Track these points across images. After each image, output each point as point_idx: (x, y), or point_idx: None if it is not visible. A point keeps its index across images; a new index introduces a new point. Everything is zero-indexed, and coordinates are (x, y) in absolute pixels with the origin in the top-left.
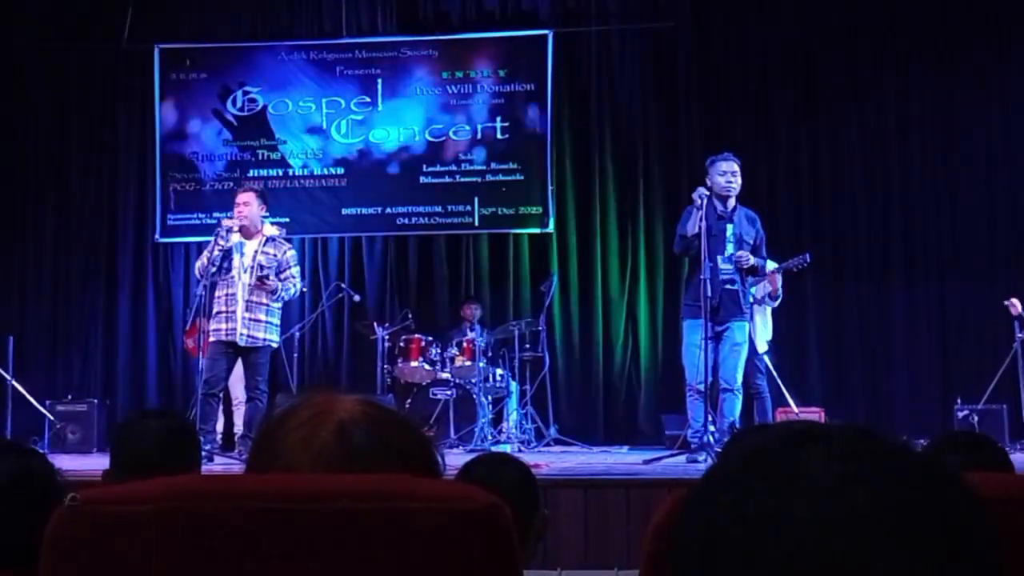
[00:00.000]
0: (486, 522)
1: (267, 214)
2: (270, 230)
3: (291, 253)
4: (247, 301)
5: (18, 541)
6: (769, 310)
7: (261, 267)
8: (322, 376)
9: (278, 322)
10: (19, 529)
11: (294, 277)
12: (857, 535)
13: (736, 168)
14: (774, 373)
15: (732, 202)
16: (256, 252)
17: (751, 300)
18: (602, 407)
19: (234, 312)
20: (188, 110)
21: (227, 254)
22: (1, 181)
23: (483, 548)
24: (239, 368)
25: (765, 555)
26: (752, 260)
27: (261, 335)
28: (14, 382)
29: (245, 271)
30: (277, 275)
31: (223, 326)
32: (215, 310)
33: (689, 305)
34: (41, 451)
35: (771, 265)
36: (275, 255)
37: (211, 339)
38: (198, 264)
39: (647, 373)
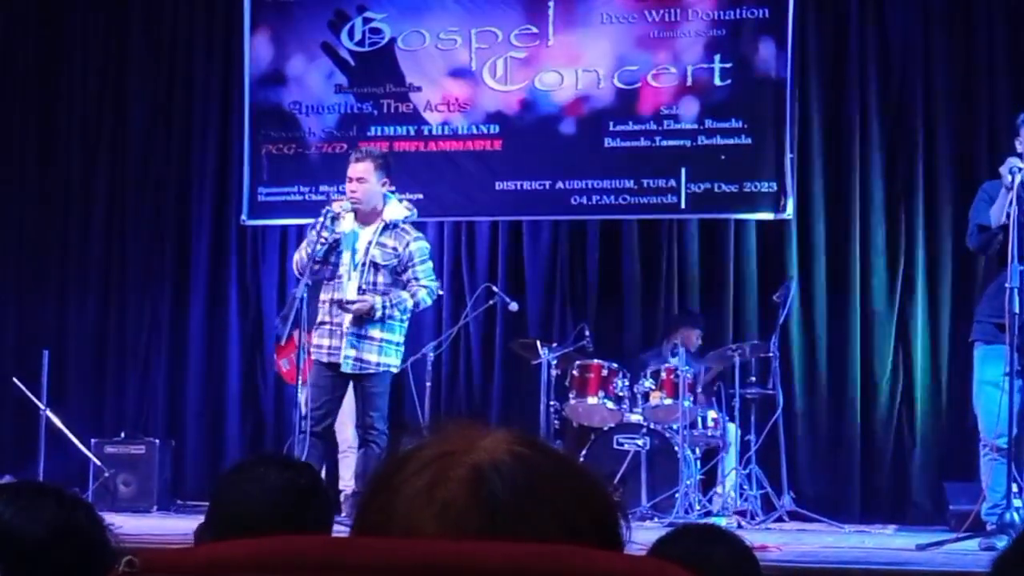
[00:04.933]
0: None
1: (392, 189)
2: (395, 212)
3: (418, 246)
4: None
5: None
6: None
7: (374, 265)
8: (465, 413)
9: (400, 339)
10: None
11: (418, 280)
12: None
13: None
14: None
15: None
16: (370, 244)
17: None
18: (859, 469)
19: (341, 325)
20: (288, 44)
21: (334, 246)
22: (37, 140)
23: None
24: (349, 404)
25: None
26: None
27: (374, 358)
28: (49, 412)
29: (356, 268)
30: (396, 276)
31: (326, 342)
32: (318, 319)
33: (983, 323)
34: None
35: None
36: (394, 248)
37: (313, 357)
38: (296, 259)
39: (925, 421)
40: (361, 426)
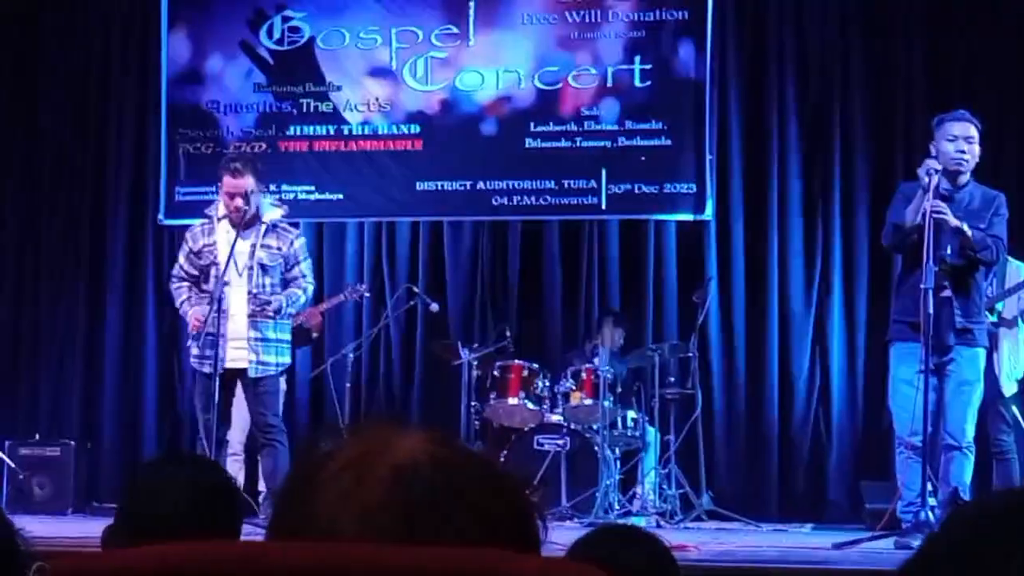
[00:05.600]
0: None
1: (265, 190)
2: (271, 213)
3: (300, 243)
4: (251, 317)
5: None
6: (1021, 335)
7: (263, 268)
8: (385, 414)
9: (289, 336)
10: None
11: (305, 276)
12: None
13: (972, 133)
14: (1023, 425)
15: (964, 178)
16: (254, 248)
17: (989, 317)
18: (776, 468)
19: (225, 335)
20: (206, 42)
21: (205, 251)
22: None
23: None
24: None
25: None
26: (951, 218)
27: (274, 359)
28: None
29: (241, 275)
30: (282, 276)
31: (208, 352)
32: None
33: (898, 323)
34: None
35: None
36: (279, 249)
37: (193, 366)
38: (178, 288)
39: (841, 420)
40: (258, 427)
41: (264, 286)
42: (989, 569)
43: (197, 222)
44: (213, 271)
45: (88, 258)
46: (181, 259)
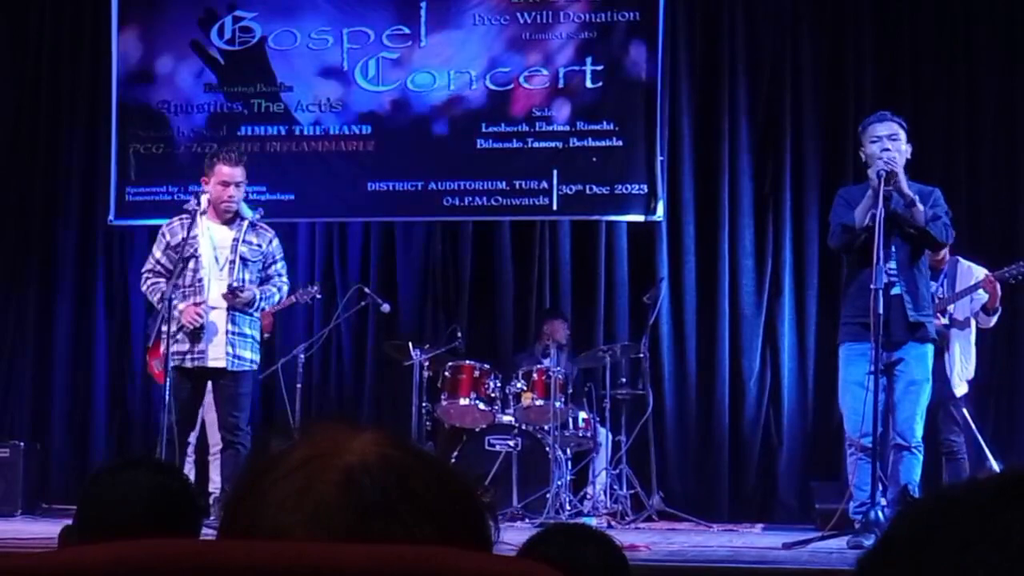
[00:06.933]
0: None
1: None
2: (246, 210)
3: (277, 242)
4: (230, 310)
5: None
6: (972, 337)
7: (244, 262)
8: (336, 415)
9: (259, 335)
10: None
11: (281, 276)
12: None
13: (896, 130)
14: (972, 426)
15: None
16: (236, 242)
17: (941, 320)
18: (727, 469)
19: (202, 328)
20: (157, 42)
21: (186, 244)
22: None
23: None
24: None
25: None
26: (904, 187)
27: (248, 354)
28: None
29: (222, 268)
30: (259, 273)
31: (186, 348)
32: (177, 326)
33: (848, 324)
34: None
35: (979, 272)
36: (259, 245)
37: (172, 363)
38: (152, 282)
39: (791, 421)
40: (226, 427)
41: (244, 281)
42: (947, 560)
43: (175, 218)
44: (192, 264)
45: (39, 258)
46: (157, 254)
